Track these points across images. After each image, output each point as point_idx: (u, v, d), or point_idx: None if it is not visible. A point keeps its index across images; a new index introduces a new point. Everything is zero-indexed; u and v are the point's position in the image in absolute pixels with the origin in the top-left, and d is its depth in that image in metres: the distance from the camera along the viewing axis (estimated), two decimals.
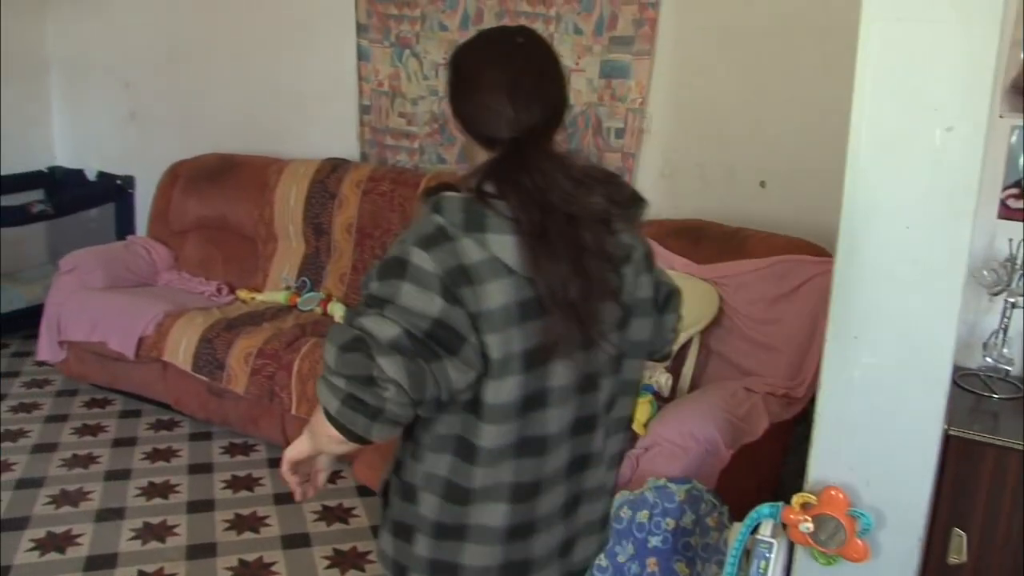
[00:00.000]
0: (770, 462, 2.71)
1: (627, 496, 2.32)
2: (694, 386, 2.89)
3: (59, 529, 2.97)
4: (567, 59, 3.57)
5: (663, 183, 3.58)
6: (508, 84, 1.34)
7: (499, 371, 1.26)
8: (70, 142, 5.24)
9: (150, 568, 2.78)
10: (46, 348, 3.98)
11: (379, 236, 3.84)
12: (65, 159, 5.26)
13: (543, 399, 1.31)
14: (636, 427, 2.56)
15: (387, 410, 1.22)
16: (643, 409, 2.56)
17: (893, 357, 1.71)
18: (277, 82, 4.41)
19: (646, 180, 3.60)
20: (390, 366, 1.20)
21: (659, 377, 2.70)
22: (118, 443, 3.60)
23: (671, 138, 3.53)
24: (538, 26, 3.62)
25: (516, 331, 1.26)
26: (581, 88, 3.57)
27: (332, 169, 4.03)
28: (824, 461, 1.81)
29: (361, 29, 4.08)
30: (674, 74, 3.46)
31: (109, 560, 2.82)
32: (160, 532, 2.98)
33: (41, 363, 4.14)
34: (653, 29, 3.41)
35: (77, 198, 4.86)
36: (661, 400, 2.73)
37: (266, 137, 4.46)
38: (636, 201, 1.42)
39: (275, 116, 4.46)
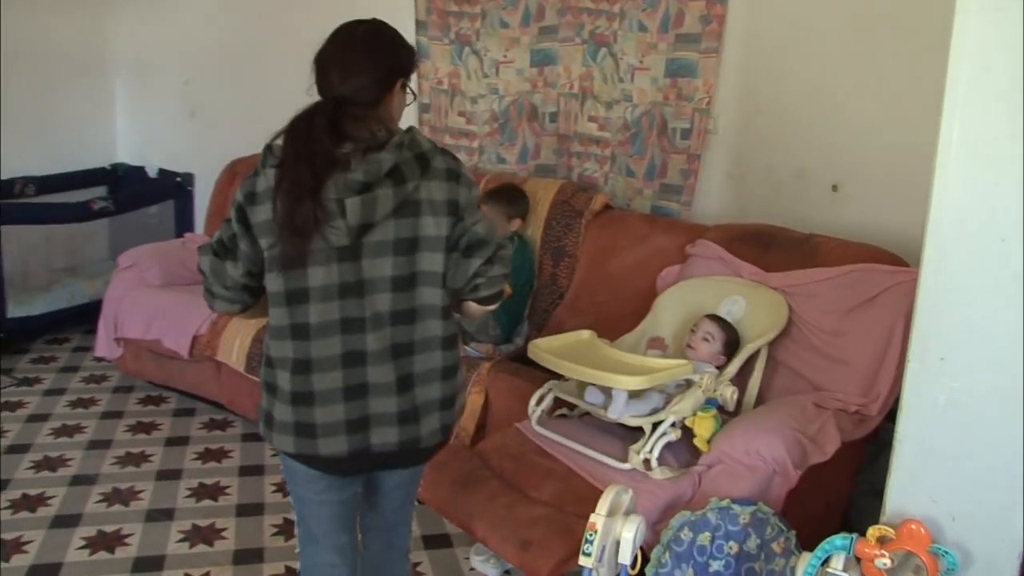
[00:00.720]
0: (840, 484, 2.56)
1: (688, 516, 2.21)
2: (760, 400, 2.75)
3: (109, 528, 2.96)
4: (631, 57, 3.45)
5: (730, 186, 3.44)
6: (335, 59, 1.82)
7: (268, 267, 1.75)
8: (132, 140, 5.29)
9: (196, 572, 2.74)
10: (103, 344, 3.99)
11: None
12: (127, 156, 5.31)
13: (303, 295, 1.75)
14: (699, 443, 2.44)
15: (206, 291, 1.88)
16: (706, 424, 2.43)
17: (984, 381, 1.57)
18: None
19: (712, 182, 3.46)
20: (201, 262, 1.86)
21: (724, 390, 2.57)
22: (171, 442, 3.59)
23: (739, 139, 3.39)
24: (601, 23, 3.52)
25: (275, 240, 1.72)
26: (645, 87, 3.45)
27: None
28: (904, 492, 1.67)
29: (420, 26, 4.00)
30: (742, 72, 3.32)
31: (156, 562, 2.79)
32: (208, 535, 2.94)
33: (100, 359, 4.15)
34: (721, 26, 3.27)
35: (137, 195, 4.89)
36: (726, 414, 2.59)
37: None
38: (425, 165, 1.76)
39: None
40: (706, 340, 2.72)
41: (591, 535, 1.94)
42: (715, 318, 2.77)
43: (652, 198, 3.55)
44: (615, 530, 1.97)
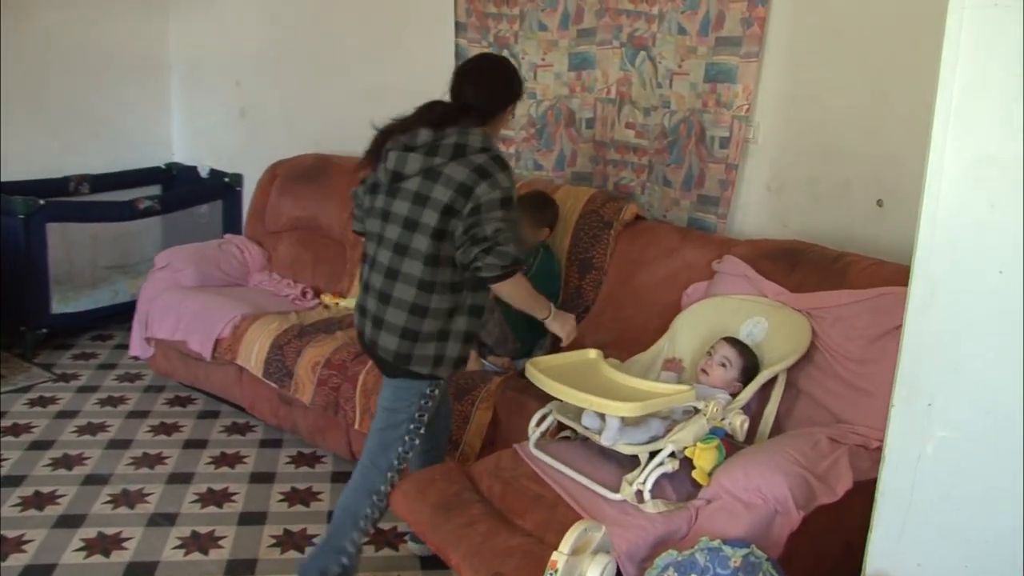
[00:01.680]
0: (853, 525, 2.33)
1: (674, 556, 2.02)
2: (777, 429, 2.53)
3: (110, 531, 2.93)
4: (669, 61, 3.27)
5: (769, 198, 3.23)
6: (455, 79, 2.49)
7: None
8: (187, 139, 5.35)
9: None
10: (137, 344, 4.01)
11: None
12: (182, 156, 5.36)
13: (369, 212, 2.49)
14: (698, 475, 2.25)
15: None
16: (707, 456, 2.24)
17: (977, 431, 1.36)
18: (376, 82, 4.30)
19: (751, 194, 3.26)
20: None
21: (733, 419, 2.36)
22: (189, 444, 3.56)
23: (779, 149, 3.18)
24: (640, 25, 3.36)
25: None
26: (684, 93, 3.27)
27: None
28: (886, 553, 1.47)
29: (460, 28, 3.90)
30: (784, 78, 3.10)
31: (148, 569, 2.74)
32: (205, 543, 2.88)
33: (135, 358, 4.17)
34: (762, 28, 3.06)
35: (184, 195, 4.92)
36: (736, 445, 2.40)
37: (365, 138, 4.34)
38: (459, 154, 2.32)
39: (374, 117, 4.34)
40: (723, 366, 2.52)
41: (551, 574, 1.79)
42: (734, 342, 2.57)
43: (689, 209, 3.35)
44: (579, 569, 1.81)
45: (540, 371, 2.40)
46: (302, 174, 4.23)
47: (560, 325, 2.61)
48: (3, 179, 4.55)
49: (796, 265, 2.73)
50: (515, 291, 2.43)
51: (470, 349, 2.54)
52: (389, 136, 2.42)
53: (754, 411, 2.58)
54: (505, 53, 3.76)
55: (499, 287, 2.37)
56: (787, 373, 2.55)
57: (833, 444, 2.28)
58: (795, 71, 3.08)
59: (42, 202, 4.19)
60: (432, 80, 4.12)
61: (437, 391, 2.50)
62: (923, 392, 1.40)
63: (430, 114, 2.39)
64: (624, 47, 3.41)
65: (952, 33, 1.29)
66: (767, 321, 2.65)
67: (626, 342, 2.93)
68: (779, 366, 2.50)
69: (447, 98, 2.45)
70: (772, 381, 2.53)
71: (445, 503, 2.33)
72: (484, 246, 2.26)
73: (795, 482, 2.12)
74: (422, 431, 2.53)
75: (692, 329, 2.76)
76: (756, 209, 3.27)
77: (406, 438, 2.51)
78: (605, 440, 2.30)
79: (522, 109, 3.75)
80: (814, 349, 2.55)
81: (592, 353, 2.59)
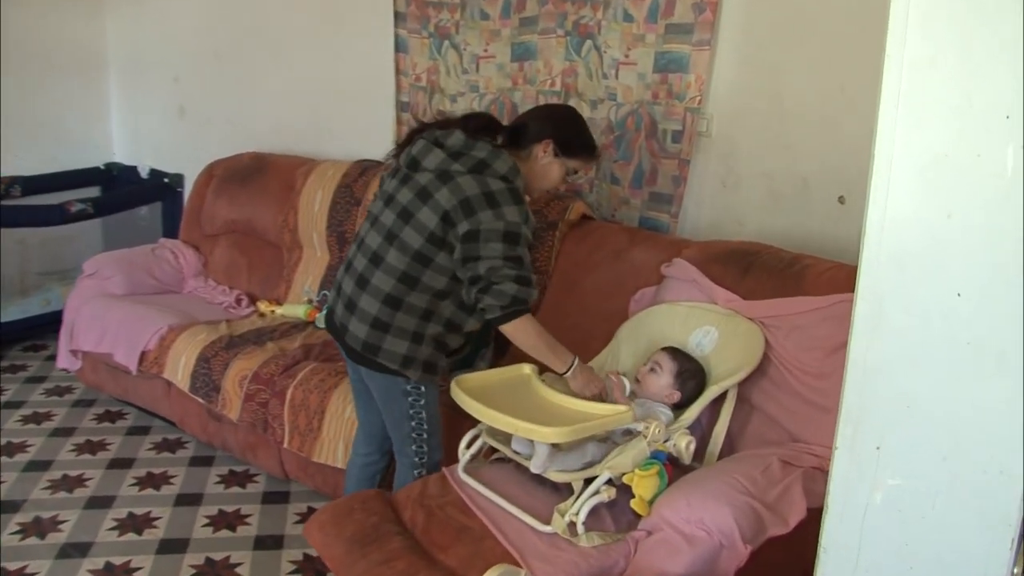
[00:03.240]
0: (808, 558, 2.14)
1: None
2: (729, 449, 2.34)
3: (13, 566, 2.70)
4: (615, 51, 3.07)
5: (724, 196, 3.03)
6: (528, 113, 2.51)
7: None
8: (127, 139, 5.10)
9: None
10: (63, 356, 3.78)
11: None
12: (122, 156, 5.12)
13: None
14: (636, 505, 2.05)
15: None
16: (646, 483, 2.04)
17: (932, 480, 1.16)
18: (315, 77, 4.09)
19: (704, 191, 3.06)
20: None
21: (678, 440, 2.17)
22: (113, 464, 3.34)
23: (734, 143, 2.98)
24: (585, 12, 3.14)
25: None
26: (631, 84, 3.06)
27: (360, 172, 3.65)
28: None
29: (399, 18, 3.69)
30: (738, 67, 2.91)
31: None
32: (118, 575, 2.66)
33: (65, 370, 3.94)
34: (715, 14, 2.86)
35: (120, 197, 4.69)
36: (681, 469, 2.20)
37: (303, 136, 4.15)
38: (477, 170, 2.22)
39: (313, 113, 4.14)
40: (653, 371, 2.33)
41: None
42: (670, 349, 2.38)
43: (640, 208, 3.15)
44: None
45: (464, 389, 2.19)
46: (237, 174, 4.00)
47: (582, 383, 2.30)
48: None
49: (749, 269, 2.53)
50: (522, 336, 2.24)
51: (443, 359, 2.39)
52: (425, 129, 2.34)
53: (704, 429, 2.40)
54: (446, 44, 3.55)
55: (506, 330, 2.23)
56: (738, 388, 2.36)
57: (786, 468, 2.08)
58: (750, 60, 2.88)
59: None
60: (371, 72, 3.94)
61: (423, 389, 2.38)
62: (871, 433, 1.20)
63: (474, 122, 2.32)
64: (569, 36, 3.20)
65: (896, 15, 1.09)
66: (717, 331, 2.45)
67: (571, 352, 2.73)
68: (728, 381, 2.30)
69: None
70: (721, 398, 2.33)
71: (362, 536, 2.12)
72: (480, 286, 2.18)
73: (742, 513, 1.93)
74: (426, 427, 2.44)
75: (636, 340, 2.57)
76: (710, 207, 3.07)
77: (414, 435, 2.43)
78: (535, 467, 2.09)
79: (464, 103, 3.54)
80: (768, 361, 2.35)
81: (526, 368, 2.38)
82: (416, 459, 2.47)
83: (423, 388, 2.38)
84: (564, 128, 2.39)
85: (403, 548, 2.08)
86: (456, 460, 2.37)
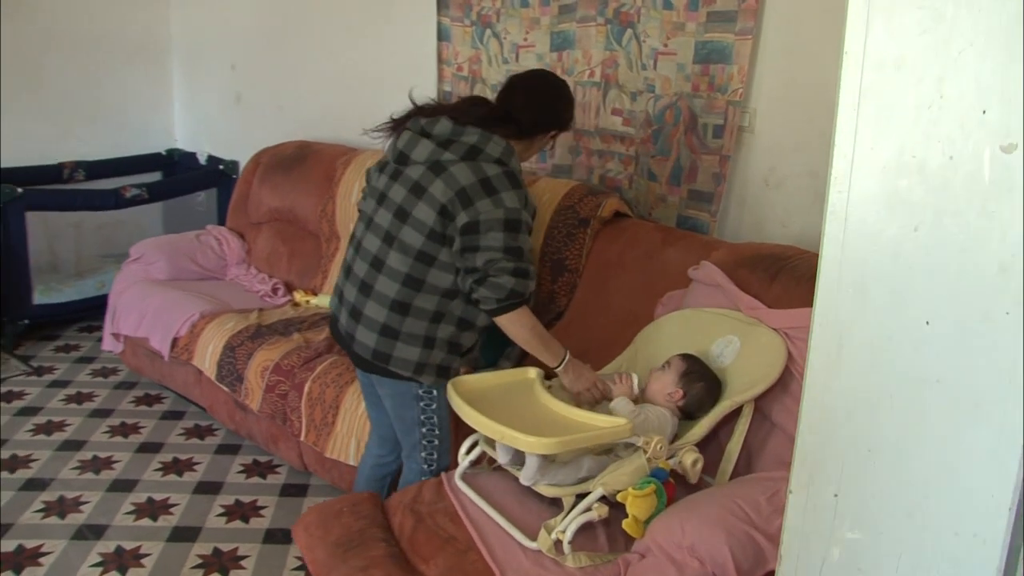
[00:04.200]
0: None
1: None
2: (745, 469, 2.19)
3: (31, 543, 2.74)
4: (654, 40, 2.91)
5: (767, 195, 2.85)
6: (506, 85, 2.34)
7: None
8: (188, 125, 5.16)
9: None
10: (107, 338, 3.82)
11: None
12: (184, 142, 5.18)
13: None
14: (628, 526, 1.91)
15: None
16: (642, 504, 1.90)
17: (896, 536, 1.01)
18: (360, 66, 4.04)
19: (746, 190, 2.88)
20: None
21: (684, 457, 2.03)
22: (143, 448, 3.36)
23: (779, 139, 2.79)
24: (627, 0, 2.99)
25: None
26: (670, 75, 2.90)
27: None
28: None
29: (442, 6, 3.60)
30: (784, 58, 2.72)
31: None
32: (127, 560, 2.67)
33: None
34: (758, 1, 2.68)
35: (174, 183, 4.73)
36: (685, 488, 2.06)
37: (349, 124, 4.09)
38: (471, 156, 2.12)
39: (358, 102, 4.09)
40: (662, 370, 2.20)
41: None
42: (685, 354, 2.24)
43: (679, 207, 2.99)
44: None
45: (460, 392, 2.09)
46: (282, 162, 3.98)
47: (573, 378, 2.25)
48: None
49: (778, 275, 2.36)
50: (515, 328, 2.18)
51: (457, 360, 2.29)
52: (416, 115, 2.23)
53: (722, 443, 2.24)
54: (487, 32, 3.45)
55: (499, 321, 2.17)
56: (758, 403, 2.20)
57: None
58: (796, 50, 2.69)
59: (20, 190, 4.02)
60: (414, 61, 3.87)
61: (435, 394, 2.30)
62: (828, 478, 1.05)
63: (462, 107, 2.23)
64: (610, 24, 3.06)
65: (855, 4, 0.94)
66: (739, 341, 2.29)
67: (594, 357, 2.58)
68: (742, 396, 2.14)
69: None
70: (736, 412, 2.18)
71: (346, 541, 2.05)
72: (476, 277, 2.10)
73: (739, 542, 1.78)
74: (437, 433, 2.36)
75: (655, 347, 2.42)
76: (752, 207, 2.89)
77: (424, 442, 2.36)
78: (524, 479, 1.98)
79: None
80: (790, 376, 2.18)
81: (531, 372, 2.26)
82: (425, 466, 2.39)
83: (435, 392, 2.29)
84: (564, 114, 2.35)
85: (384, 556, 1.99)
86: (454, 465, 2.28)
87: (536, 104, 2.27)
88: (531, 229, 2.20)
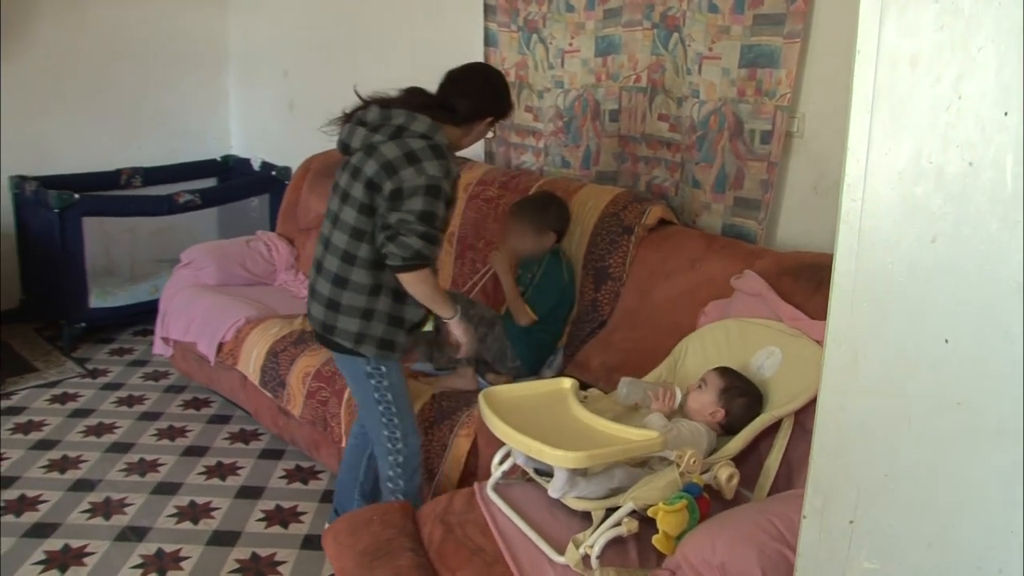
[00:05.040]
0: None
1: None
2: (785, 484, 2.11)
3: (76, 543, 2.78)
4: (699, 44, 2.85)
5: (815, 202, 2.77)
6: (444, 77, 2.48)
7: None
8: (243, 132, 5.23)
9: None
10: (157, 342, 3.88)
11: (481, 248, 3.32)
12: (239, 148, 5.26)
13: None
14: (659, 542, 1.86)
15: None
16: (672, 519, 1.84)
17: (916, 567, 0.95)
18: (409, 72, 4.01)
19: (794, 197, 2.81)
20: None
21: (719, 472, 1.97)
22: (188, 451, 3.39)
23: (829, 145, 2.71)
24: (672, 3, 2.94)
25: None
26: (715, 80, 2.84)
27: None
28: None
29: (489, 11, 3.58)
30: (834, 62, 2.64)
31: None
32: (167, 563, 2.69)
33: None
34: (808, 3, 2.60)
35: (228, 189, 4.79)
36: (721, 504, 2.00)
37: None
38: (397, 135, 2.29)
39: None
40: (700, 388, 2.14)
41: None
42: (722, 368, 2.18)
43: (723, 215, 2.92)
44: None
45: (490, 402, 2.06)
46: (331, 169, 3.97)
47: (461, 332, 2.46)
48: (58, 172, 4.54)
49: (821, 284, 2.28)
50: (415, 286, 2.33)
51: (401, 335, 2.40)
52: (362, 108, 2.40)
53: (761, 457, 2.17)
54: (534, 37, 3.42)
55: (402, 278, 2.31)
56: (799, 417, 2.12)
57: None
58: (846, 53, 2.60)
59: (77, 196, 4.11)
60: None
61: (384, 370, 2.40)
62: (843, 504, 1.00)
63: (401, 96, 2.39)
64: (656, 28, 3.00)
65: None
66: (781, 353, 2.22)
67: (634, 367, 2.55)
68: (782, 410, 2.07)
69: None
70: (775, 427, 2.11)
71: (374, 550, 2.04)
72: (387, 233, 2.26)
73: (770, 561, 1.71)
74: (394, 410, 2.45)
75: (696, 357, 2.36)
76: (801, 215, 2.81)
77: (384, 420, 2.46)
78: (553, 491, 1.94)
79: (551, 100, 3.40)
80: None
81: (566, 383, 2.22)
82: (390, 445, 2.47)
83: (383, 368, 2.40)
84: (500, 102, 2.46)
85: (411, 566, 1.97)
86: (488, 475, 2.25)
87: (471, 92, 2.40)
88: (451, 200, 2.32)
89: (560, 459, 1.83)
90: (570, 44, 3.28)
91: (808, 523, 1.03)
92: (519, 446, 1.91)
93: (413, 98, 2.38)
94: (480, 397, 2.10)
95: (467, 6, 3.65)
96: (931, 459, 0.92)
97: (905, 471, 0.94)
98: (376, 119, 2.31)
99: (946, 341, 0.89)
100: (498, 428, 1.97)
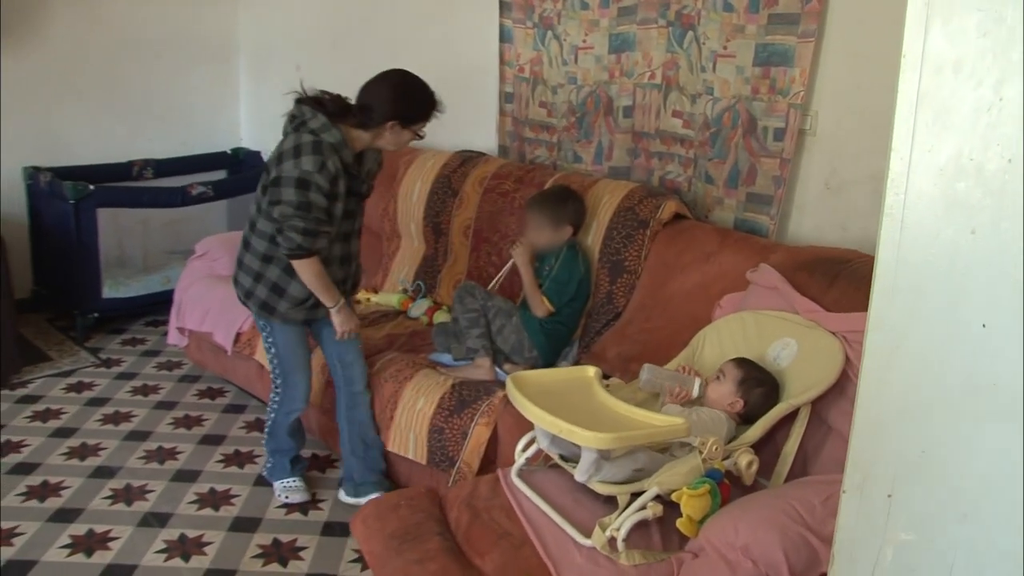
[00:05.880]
0: None
1: None
2: (800, 472, 2.18)
3: (100, 528, 2.83)
4: (713, 42, 2.91)
5: (827, 198, 2.83)
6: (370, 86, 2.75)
7: None
8: (253, 125, 5.27)
9: None
10: (172, 332, 3.93)
11: (496, 241, 3.39)
12: (249, 141, 5.30)
13: None
14: (683, 525, 1.92)
15: None
16: (696, 503, 1.91)
17: (949, 539, 1.01)
18: (423, 67, 4.05)
19: (806, 193, 2.87)
20: None
21: (739, 459, 2.03)
22: (205, 440, 3.45)
23: (841, 143, 2.78)
24: (687, 1, 2.99)
25: None
26: (729, 78, 2.90)
27: (460, 163, 3.63)
28: None
29: (504, 8, 3.64)
30: (847, 61, 2.71)
31: (125, 572, 2.62)
32: (190, 548, 2.75)
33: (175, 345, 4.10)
34: (822, 3, 2.66)
35: (239, 181, 4.83)
36: (740, 490, 2.06)
37: None
38: (294, 129, 2.62)
39: None
40: (718, 380, 2.20)
41: None
42: (738, 359, 2.24)
43: (736, 210, 2.99)
44: None
45: (519, 387, 2.12)
46: None
47: (343, 319, 2.76)
48: (71, 163, 4.58)
49: (836, 278, 2.35)
50: (303, 273, 2.64)
51: (282, 304, 2.72)
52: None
53: (778, 446, 2.24)
54: (549, 34, 3.47)
55: (292, 263, 2.63)
56: (814, 406, 2.19)
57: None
58: (859, 53, 2.67)
59: (92, 187, 4.15)
60: (476, 63, 3.91)
61: (271, 328, 2.80)
62: (882, 479, 1.06)
63: (321, 98, 2.65)
64: (671, 26, 3.06)
65: None
66: (797, 344, 2.28)
67: (651, 357, 2.59)
68: (799, 399, 2.14)
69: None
70: (793, 415, 2.17)
71: (402, 533, 2.10)
72: (276, 226, 2.58)
73: (792, 543, 1.78)
74: (279, 367, 2.87)
75: (712, 348, 2.43)
76: (813, 211, 2.88)
77: (272, 374, 2.93)
78: (578, 475, 2.00)
79: (564, 96, 3.46)
80: (847, 380, 2.17)
81: (590, 371, 2.28)
82: (273, 396, 2.91)
83: (271, 328, 2.80)
84: (404, 106, 2.64)
85: (440, 549, 2.03)
86: (507, 463, 2.31)
87: (376, 97, 2.62)
88: (327, 192, 2.54)
89: (590, 440, 1.89)
90: (584, 41, 3.34)
91: (848, 497, 1.09)
92: (549, 427, 1.97)
93: (336, 101, 2.63)
94: (508, 381, 2.15)
95: (483, 3, 3.71)
96: (967, 437, 0.98)
97: (941, 449, 1.00)
98: (295, 113, 2.60)
99: (983, 326, 0.95)
100: (528, 410, 2.02)
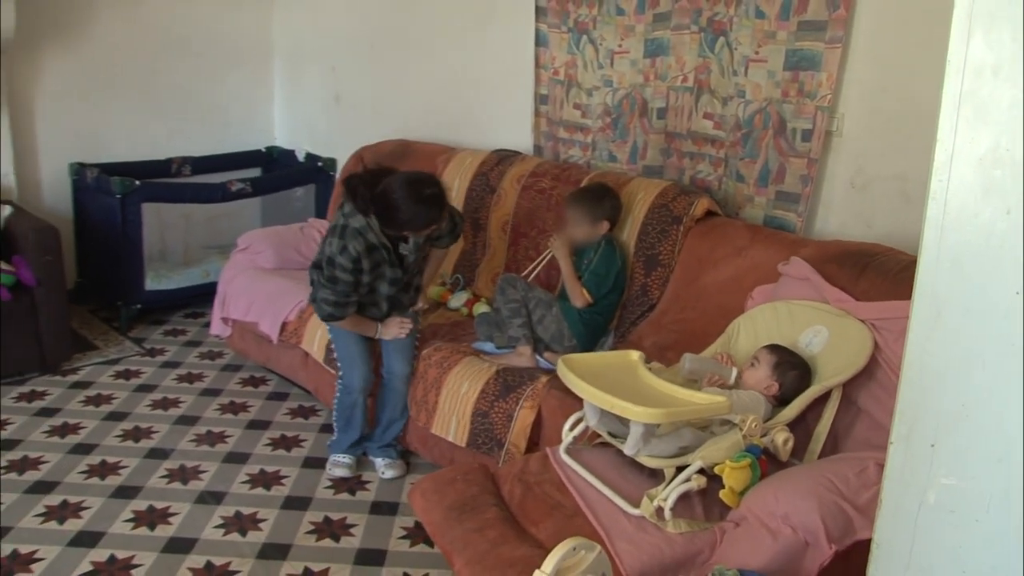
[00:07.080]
0: None
1: None
2: (831, 450, 2.32)
3: (160, 504, 2.99)
4: (746, 47, 3.06)
5: (853, 196, 2.97)
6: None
7: None
8: (287, 124, 5.44)
9: (219, 560, 2.70)
10: (216, 323, 4.09)
11: (534, 236, 3.54)
12: (283, 140, 5.46)
13: None
14: (726, 496, 2.07)
15: None
16: (738, 475, 2.06)
17: (986, 481, 1.15)
18: (459, 69, 4.25)
19: (833, 192, 3.01)
20: None
21: (776, 436, 2.18)
22: (252, 425, 3.60)
23: (866, 143, 2.92)
24: (720, 9, 3.14)
25: None
26: (760, 81, 3.05)
27: (497, 162, 3.78)
28: None
29: (540, 13, 3.79)
30: (872, 66, 2.85)
31: (187, 545, 2.78)
32: (246, 524, 2.90)
33: (218, 336, 4.26)
34: (849, 10, 2.81)
35: (277, 178, 4.99)
36: (777, 465, 2.21)
37: (446, 125, 4.33)
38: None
39: (456, 103, 4.31)
40: (752, 366, 2.35)
41: None
42: (771, 345, 2.39)
43: (765, 207, 3.13)
44: None
45: (570, 368, 2.26)
46: (383, 159, 4.19)
47: (386, 333, 3.12)
48: (113, 160, 4.76)
49: (865, 270, 2.49)
50: (338, 326, 3.10)
51: (345, 311, 3.03)
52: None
53: (809, 427, 2.38)
54: (584, 39, 3.63)
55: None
56: (845, 389, 2.33)
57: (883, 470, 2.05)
58: (884, 58, 2.82)
59: (138, 183, 4.32)
60: (512, 66, 4.07)
61: (329, 326, 3.17)
62: (926, 430, 1.20)
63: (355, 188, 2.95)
64: (703, 32, 3.21)
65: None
66: (828, 331, 2.43)
67: (685, 346, 2.75)
68: (831, 382, 2.28)
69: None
70: (825, 397, 2.32)
71: (460, 504, 2.24)
72: (311, 295, 3.04)
73: (830, 511, 1.92)
74: (335, 356, 3.24)
75: (747, 336, 2.57)
76: (839, 208, 3.02)
77: (334, 358, 3.26)
78: (627, 449, 2.15)
79: (599, 98, 3.61)
80: (876, 364, 2.31)
81: (634, 355, 2.43)
82: (338, 380, 3.22)
83: (329, 326, 3.17)
84: (391, 218, 2.86)
85: (497, 519, 2.18)
86: (552, 443, 2.46)
87: (379, 205, 2.86)
88: (349, 270, 2.87)
89: (640, 414, 2.04)
90: (619, 45, 3.49)
91: (895, 448, 1.23)
92: (601, 403, 2.12)
93: (364, 196, 2.87)
94: (560, 362, 2.29)
95: (520, 8, 3.86)
96: (1002, 392, 1.13)
97: (979, 402, 1.15)
98: (340, 193, 3.02)
99: (1016, 293, 1.10)
100: (581, 388, 2.17)
